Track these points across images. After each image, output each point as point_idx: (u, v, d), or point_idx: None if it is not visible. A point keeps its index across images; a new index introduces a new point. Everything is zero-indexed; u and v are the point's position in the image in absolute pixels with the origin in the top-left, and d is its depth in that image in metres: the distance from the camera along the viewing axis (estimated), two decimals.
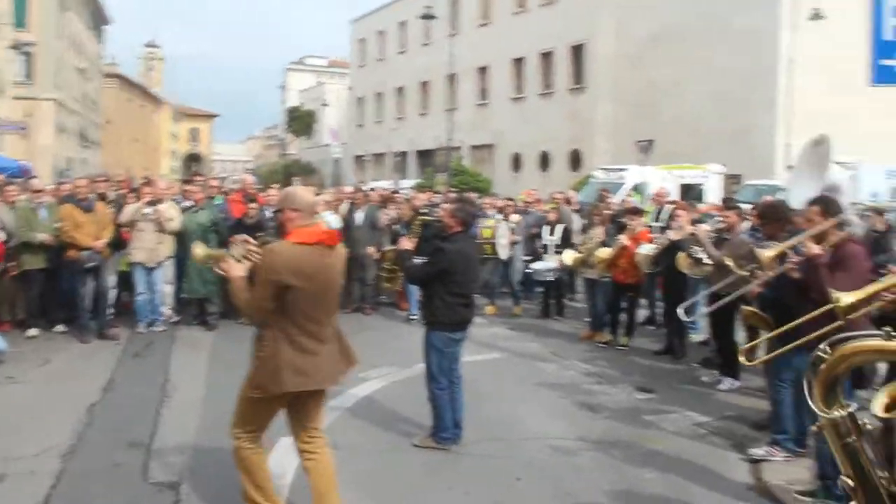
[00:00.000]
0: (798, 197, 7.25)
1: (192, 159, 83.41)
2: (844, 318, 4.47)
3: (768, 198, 10.97)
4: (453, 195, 15.64)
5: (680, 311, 7.85)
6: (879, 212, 8.78)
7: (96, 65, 64.70)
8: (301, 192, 4.99)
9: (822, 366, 2.48)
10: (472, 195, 16.92)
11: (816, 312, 4.60)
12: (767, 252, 5.46)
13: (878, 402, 2.92)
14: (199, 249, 5.72)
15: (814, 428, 2.76)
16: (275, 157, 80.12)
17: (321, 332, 4.67)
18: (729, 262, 6.89)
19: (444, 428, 6.45)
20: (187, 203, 11.36)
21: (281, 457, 5.95)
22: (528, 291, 14.28)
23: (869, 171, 19.00)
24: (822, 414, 2.50)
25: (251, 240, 4.85)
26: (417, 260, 7.14)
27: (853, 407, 2.47)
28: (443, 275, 6.37)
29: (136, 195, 11.27)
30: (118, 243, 10.69)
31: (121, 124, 69.14)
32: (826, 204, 5.54)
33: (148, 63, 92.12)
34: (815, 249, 5.22)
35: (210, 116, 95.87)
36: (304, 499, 5.12)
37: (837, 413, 2.47)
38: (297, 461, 5.85)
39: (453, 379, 6.57)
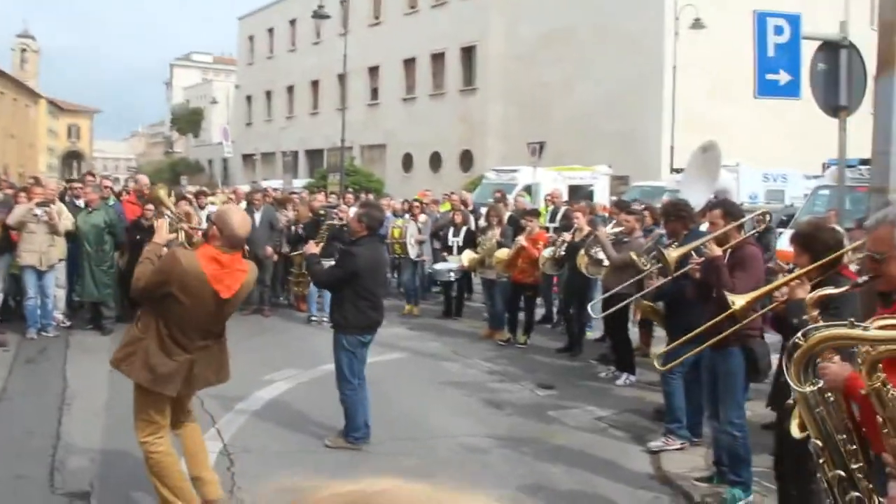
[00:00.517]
0: (690, 200, 7.63)
1: (72, 157, 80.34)
2: (741, 318, 4.81)
3: (666, 199, 11.43)
4: (351, 197, 15.71)
5: (590, 308, 8.11)
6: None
7: None
8: (237, 219, 4.88)
9: (799, 350, 2.89)
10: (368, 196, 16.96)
11: (718, 319, 4.90)
12: (673, 252, 5.75)
13: (794, 425, 3.52)
14: (162, 190, 5.92)
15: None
16: (160, 155, 78.03)
17: (188, 344, 4.74)
18: (635, 258, 7.20)
19: (356, 428, 6.53)
20: (79, 203, 11.05)
21: None
22: (426, 291, 14.49)
23: (748, 174, 19.94)
24: (796, 388, 2.94)
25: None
26: (325, 263, 7.20)
27: (821, 384, 2.90)
28: (351, 279, 6.45)
29: (26, 195, 10.90)
30: (6, 245, 10.30)
31: None
32: (728, 207, 5.88)
33: (21, 55, 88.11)
34: (717, 251, 5.52)
35: (90, 112, 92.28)
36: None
37: (809, 388, 2.92)
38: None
39: (361, 381, 6.66)
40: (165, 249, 4.89)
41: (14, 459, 6.07)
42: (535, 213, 11.72)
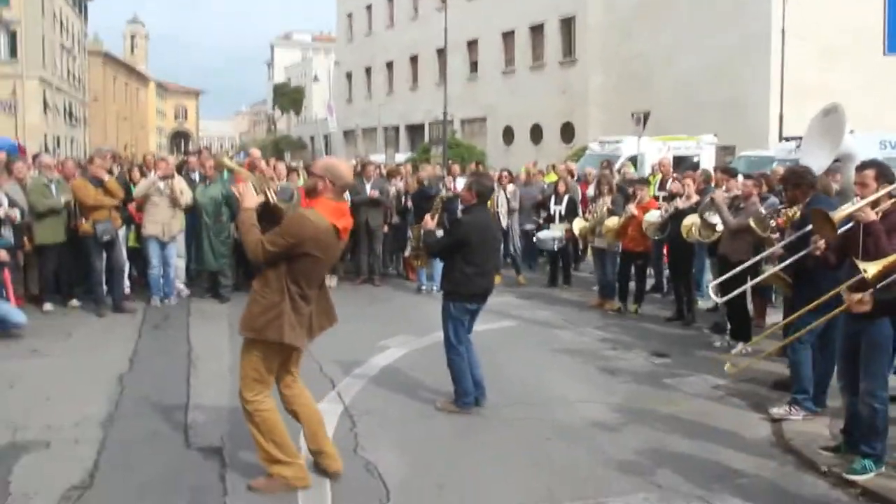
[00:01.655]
0: (811, 165, 7.36)
1: (180, 136, 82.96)
2: (875, 286, 4.63)
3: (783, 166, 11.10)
4: (457, 168, 15.78)
5: (710, 292, 7.86)
6: None
7: (81, 43, 64.18)
8: (344, 168, 5.13)
9: None
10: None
11: (851, 282, 4.73)
12: (836, 214, 5.41)
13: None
14: (225, 157, 5.78)
15: None
16: (263, 133, 79.78)
17: (311, 296, 4.93)
18: (753, 225, 7.02)
19: (465, 393, 6.60)
20: (194, 177, 11.45)
21: None
22: (532, 261, 14.48)
23: (863, 141, 19.14)
24: None
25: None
26: (437, 233, 7.27)
27: None
28: (461, 246, 6.50)
29: (142, 171, 11.39)
30: (128, 219, 10.77)
31: (107, 102, 68.74)
32: (881, 168, 5.47)
33: (132, 41, 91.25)
34: (873, 215, 5.24)
35: (196, 93, 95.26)
36: None
37: None
38: (333, 426, 6.07)
39: (467, 347, 6.71)
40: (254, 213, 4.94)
41: (149, 416, 6.39)
42: (645, 182, 11.56)
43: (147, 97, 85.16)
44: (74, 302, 10.52)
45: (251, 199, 4.91)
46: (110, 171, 10.91)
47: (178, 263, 11.18)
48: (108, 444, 5.74)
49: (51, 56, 52.59)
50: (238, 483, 5.03)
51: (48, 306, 10.22)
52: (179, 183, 10.75)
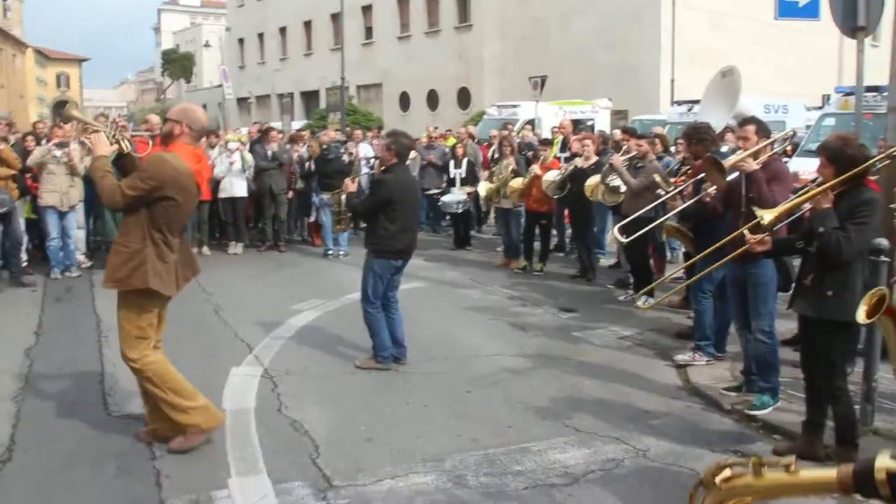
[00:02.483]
0: (711, 123, 7.71)
1: (62, 106, 79.65)
2: (769, 232, 4.96)
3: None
4: (359, 133, 15.77)
5: (615, 232, 8.21)
6: None
7: None
8: (200, 113, 5.24)
9: None
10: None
11: (749, 225, 5.04)
12: (725, 162, 5.77)
13: (860, 312, 3.98)
14: (74, 109, 5.72)
15: None
16: (152, 101, 77.36)
17: (174, 244, 4.92)
18: (658, 180, 7.32)
19: (383, 347, 6.72)
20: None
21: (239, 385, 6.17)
22: (436, 224, 14.67)
23: (749, 105, 19.96)
24: None
25: None
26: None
27: None
28: (385, 205, 6.59)
29: (37, 139, 11.00)
30: (23, 189, 10.39)
31: None
32: (760, 124, 5.92)
33: (3, 3, 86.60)
34: (754, 165, 5.65)
35: (79, 60, 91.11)
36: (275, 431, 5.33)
37: None
38: (255, 388, 6.12)
39: (389, 303, 6.83)
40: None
41: (64, 387, 6.27)
42: (548, 143, 11.83)
43: (25, 65, 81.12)
44: None
45: (104, 147, 4.88)
46: (5, 140, 10.48)
47: (79, 234, 10.86)
48: (22, 417, 5.61)
49: None
50: (165, 447, 5.02)
51: None
52: (77, 150, 10.42)
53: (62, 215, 10.31)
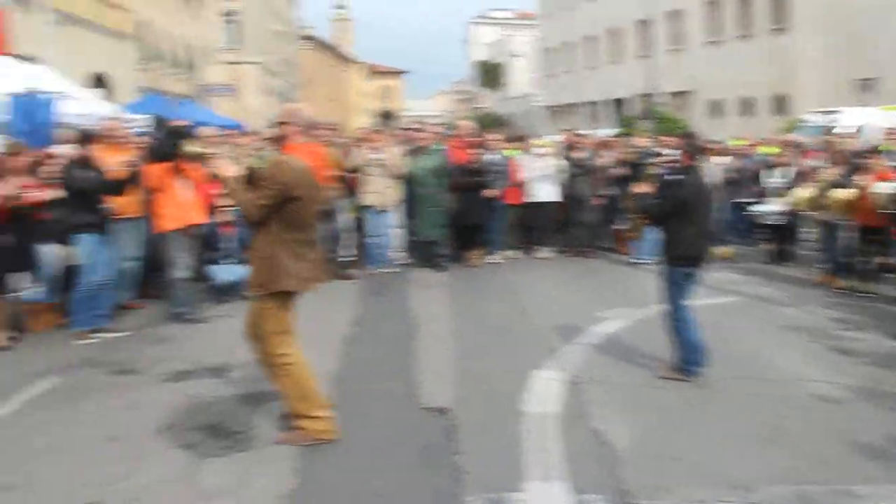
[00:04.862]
0: None
1: (385, 116, 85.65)
2: None
3: None
4: (671, 140, 15.32)
5: None
6: None
7: (293, 29, 67.46)
8: (304, 110, 5.49)
9: None
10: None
11: None
12: None
13: None
14: (189, 146, 6.19)
15: None
16: (465, 111, 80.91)
17: (311, 241, 5.14)
18: None
19: (690, 360, 6.40)
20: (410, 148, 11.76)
21: (542, 388, 6.17)
22: (747, 236, 13.86)
23: None
24: None
25: None
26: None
27: None
28: (679, 209, 6.31)
29: (361, 143, 11.83)
30: (349, 188, 11.19)
31: (318, 84, 71.90)
32: None
33: (339, 24, 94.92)
34: None
35: (399, 73, 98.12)
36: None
37: None
38: (557, 393, 6.08)
39: (689, 314, 6.50)
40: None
41: (378, 376, 6.64)
42: (876, 151, 10.73)
43: (353, 79, 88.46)
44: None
45: (229, 171, 5.18)
46: (332, 144, 11.37)
47: (396, 233, 11.52)
48: (339, 400, 5.95)
49: (267, 42, 55.65)
50: (467, 443, 5.12)
51: None
52: (393, 154, 11.07)
53: (380, 214, 11.01)
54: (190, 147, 6.26)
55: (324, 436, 5.18)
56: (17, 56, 15.15)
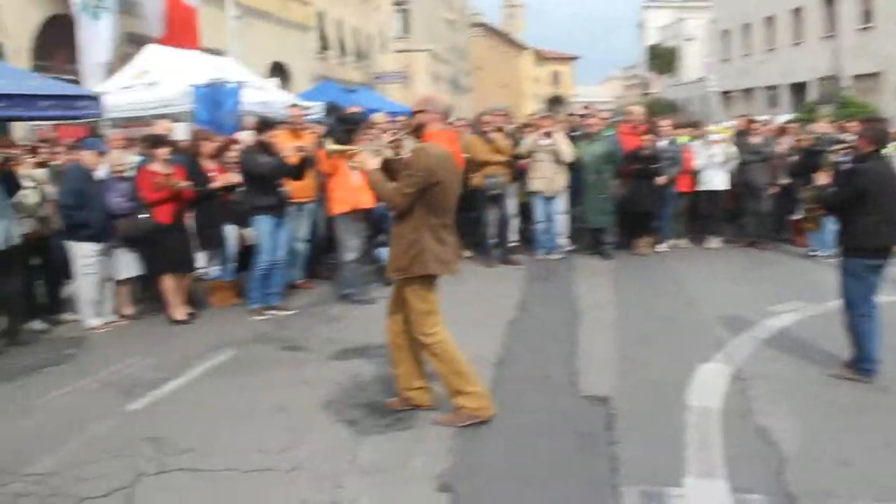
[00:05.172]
0: None
1: (554, 101, 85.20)
2: None
3: None
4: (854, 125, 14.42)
5: None
6: None
7: (463, 16, 68.11)
8: (440, 97, 5.63)
9: None
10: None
11: None
12: None
13: None
14: (329, 145, 6.45)
15: None
16: (636, 96, 79.28)
17: (451, 225, 5.24)
18: None
19: (867, 359, 6.01)
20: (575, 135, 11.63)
21: (706, 382, 5.99)
22: None
23: None
24: None
25: None
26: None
27: None
28: (859, 197, 5.91)
29: (531, 129, 11.79)
30: (517, 174, 11.20)
31: (488, 71, 72.36)
32: None
33: (509, 11, 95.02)
34: None
35: (569, 59, 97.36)
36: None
37: None
38: (723, 388, 5.86)
39: (872, 309, 6.08)
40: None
41: (538, 361, 6.65)
42: None
43: (523, 65, 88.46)
44: (465, 253, 11.22)
45: (370, 164, 5.26)
46: (500, 129, 11.42)
47: (562, 219, 11.43)
48: (500, 382, 6.06)
49: (437, 30, 56.50)
50: (626, 433, 5.04)
51: None
52: (562, 140, 10.97)
53: (548, 200, 10.97)
54: (329, 146, 6.51)
55: (480, 413, 5.23)
56: (205, 50, 16.13)
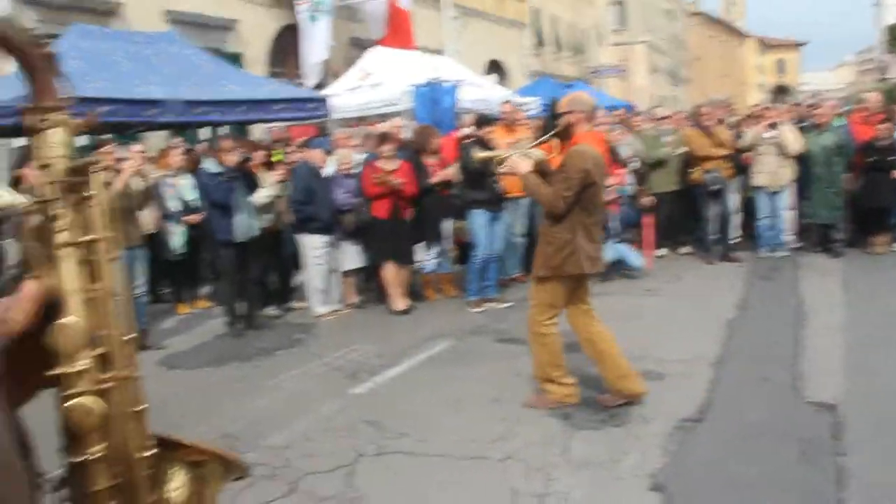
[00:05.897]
0: None
1: (780, 91, 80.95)
2: None
3: None
4: None
5: None
6: None
7: (680, 5, 66.11)
8: (586, 96, 5.61)
9: None
10: None
11: None
12: None
13: None
14: (476, 152, 6.59)
15: None
16: (871, 82, 73.75)
17: (601, 223, 5.37)
18: None
19: None
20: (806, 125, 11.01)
21: None
22: None
23: None
24: None
25: None
26: None
27: None
28: None
29: (754, 120, 11.30)
30: (740, 168, 10.77)
31: (707, 61, 69.87)
32: None
33: None
34: None
35: (796, 45, 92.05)
36: None
37: None
38: None
39: None
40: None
41: (758, 362, 6.37)
42: None
43: (745, 53, 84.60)
44: (684, 248, 10.98)
45: (523, 167, 5.25)
46: (722, 121, 11.03)
47: (788, 215, 10.87)
48: (717, 383, 5.88)
49: (654, 21, 55.15)
50: (855, 444, 4.69)
51: (660, 252, 10.85)
52: (788, 132, 10.43)
53: (772, 195, 10.47)
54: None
55: (568, 399, 5.44)
56: (424, 50, 16.72)
